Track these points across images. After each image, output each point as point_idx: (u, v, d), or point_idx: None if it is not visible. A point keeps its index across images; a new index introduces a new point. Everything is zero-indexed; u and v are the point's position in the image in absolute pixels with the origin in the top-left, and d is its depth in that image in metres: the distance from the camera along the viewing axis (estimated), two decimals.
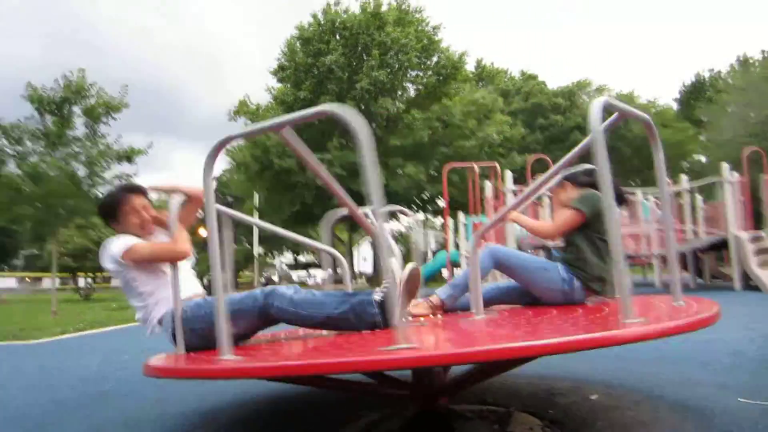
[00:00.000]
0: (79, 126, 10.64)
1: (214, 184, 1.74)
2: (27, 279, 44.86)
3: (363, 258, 49.58)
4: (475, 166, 11.02)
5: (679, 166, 31.07)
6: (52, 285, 11.04)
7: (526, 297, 2.83)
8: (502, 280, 3.15)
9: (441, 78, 25.48)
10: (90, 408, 2.59)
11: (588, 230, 2.71)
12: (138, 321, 2.31)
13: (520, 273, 2.80)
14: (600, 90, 37.28)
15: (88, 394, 2.91)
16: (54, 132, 10.29)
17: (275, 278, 45.84)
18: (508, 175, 10.03)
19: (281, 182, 24.57)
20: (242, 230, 32.37)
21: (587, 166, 2.79)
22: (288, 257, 49.26)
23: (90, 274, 22.17)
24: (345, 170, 23.58)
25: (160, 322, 2.21)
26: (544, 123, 35.02)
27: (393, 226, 52.53)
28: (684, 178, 10.41)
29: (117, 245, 2.20)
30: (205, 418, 2.37)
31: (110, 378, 3.38)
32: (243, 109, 26.75)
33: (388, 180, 23.78)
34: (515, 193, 9.45)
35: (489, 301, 2.85)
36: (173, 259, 2.06)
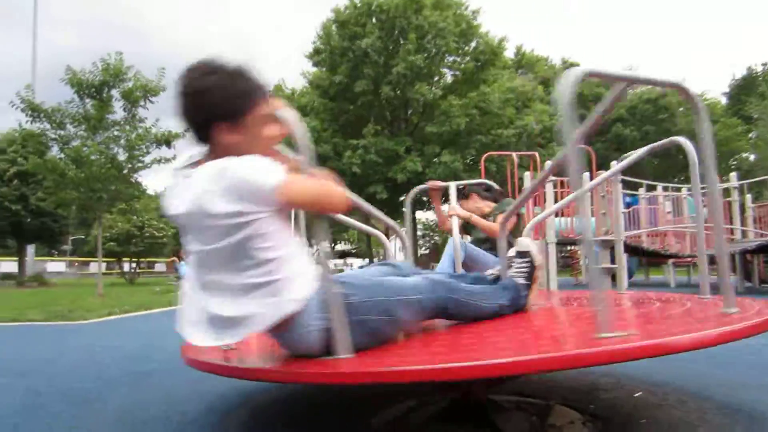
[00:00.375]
0: (117, 110, 10.77)
1: None
2: (74, 263, 46.40)
3: (399, 248, 49.45)
4: (514, 156, 10.71)
5: (727, 164, 29.93)
6: (98, 269, 11.28)
7: None
8: None
9: (479, 64, 25.02)
10: (132, 386, 2.59)
11: None
12: (241, 315, 1.34)
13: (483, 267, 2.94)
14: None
15: (131, 372, 2.92)
16: (94, 115, 10.43)
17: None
18: (548, 166, 9.68)
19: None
20: None
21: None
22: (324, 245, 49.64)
23: (134, 259, 22.72)
24: (381, 156, 23.49)
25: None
26: (586, 114, 33.96)
27: (428, 216, 52.43)
28: (733, 175, 9.95)
29: (266, 169, 1.30)
30: (243, 396, 2.36)
31: (154, 358, 3.39)
32: (278, 94, 26.86)
33: (424, 168, 23.58)
34: (554, 185, 9.14)
35: None
36: (337, 209, 1.48)
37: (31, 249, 23.67)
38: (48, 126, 10.58)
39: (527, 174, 10.19)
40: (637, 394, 2.22)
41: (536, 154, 11.82)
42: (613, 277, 7.68)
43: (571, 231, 9.33)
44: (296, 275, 1.36)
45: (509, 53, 30.19)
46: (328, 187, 1.41)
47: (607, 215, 8.01)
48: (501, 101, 24.12)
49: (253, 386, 2.55)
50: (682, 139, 2.53)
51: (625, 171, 2.96)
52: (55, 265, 39.92)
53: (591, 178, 7.99)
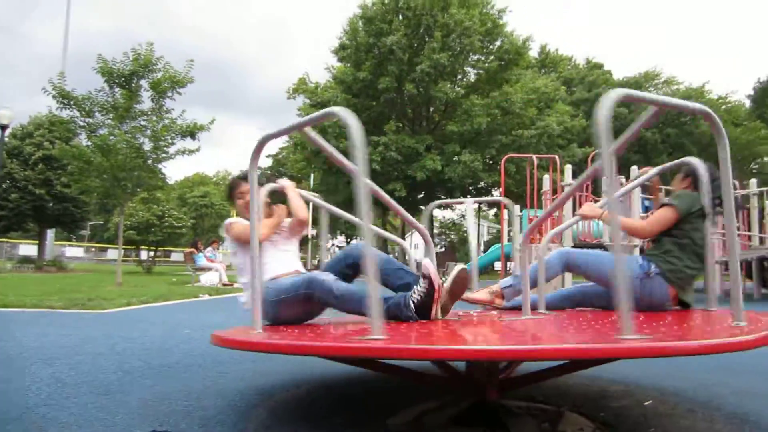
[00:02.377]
0: (145, 100, 10.88)
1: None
2: (92, 249, 47.12)
3: (415, 245, 49.64)
4: (534, 158, 10.64)
5: (749, 168, 29.34)
6: (117, 257, 11.42)
7: (603, 299, 2.72)
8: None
9: (503, 63, 24.82)
10: (154, 378, 2.64)
11: (677, 229, 2.62)
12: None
13: (594, 269, 2.73)
14: (668, 82, 35.50)
15: (152, 364, 2.97)
16: (122, 105, 10.56)
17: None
18: (568, 168, 9.64)
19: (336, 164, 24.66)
20: None
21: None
22: (340, 240, 49.74)
23: (152, 248, 23.00)
24: (401, 154, 23.46)
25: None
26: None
27: (445, 214, 52.22)
28: (753, 182, 9.81)
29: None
30: (262, 394, 2.40)
31: (173, 351, 3.44)
32: (301, 87, 26.93)
33: (443, 166, 23.51)
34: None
35: (568, 303, 2.87)
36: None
37: (51, 233, 24.06)
38: (77, 113, 10.74)
39: (546, 176, 10.13)
40: (647, 403, 2.23)
41: (556, 156, 11.73)
42: None
43: (588, 235, 9.28)
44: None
45: (533, 53, 29.91)
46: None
47: None
48: (523, 101, 23.94)
49: (271, 384, 2.59)
50: (694, 161, 2.57)
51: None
52: (74, 250, 40.51)
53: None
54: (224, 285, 11.68)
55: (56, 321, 4.94)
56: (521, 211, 10.62)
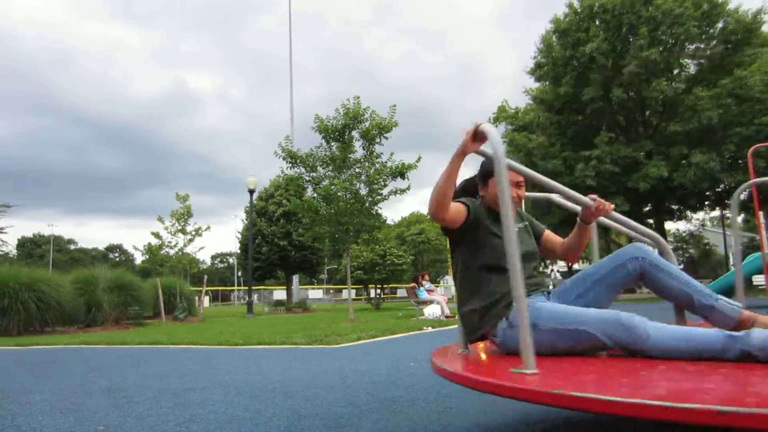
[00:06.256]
0: (358, 148, 11.77)
1: None
2: (330, 290, 52.24)
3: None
4: None
5: None
6: (348, 296, 12.41)
7: None
8: None
9: (730, 46, 21.64)
10: (380, 412, 2.65)
11: None
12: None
13: None
14: None
15: (378, 398, 3.01)
16: (339, 156, 11.57)
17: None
18: None
19: (547, 186, 23.73)
20: None
21: None
22: (561, 264, 47.48)
23: (379, 285, 24.60)
24: (617, 165, 21.68)
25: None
26: None
27: (679, 226, 46.50)
28: None
29: None
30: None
31: (399, 384, 3.46)
32: (502, 115, 26.76)
33: (670, 172, 21.06)
34: None
35: None
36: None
37: (295, 278, 27.24)
38: (303, 170, 12.07)
39: None
40: None
41: None
42: None
43: None
44: None
45: None
46: None
47: None
48: (764, 83, 20.40)
49: (499, 422, 2.40)
50: None
51: None
52: (315, 293, 45.49)
53: None
54: (447, 317, 11.83)
55: (298, 356, 5.41)
56: None
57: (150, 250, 17.31)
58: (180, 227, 16.67)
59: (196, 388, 3.55)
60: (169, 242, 16.84)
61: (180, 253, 16.81)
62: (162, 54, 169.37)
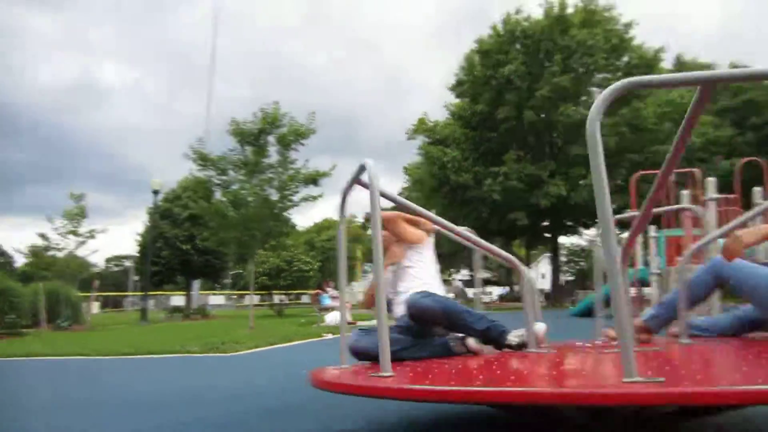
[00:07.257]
0: (272, 153, 11.47)
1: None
2: (233, 296, 50.68)
3: (541, 275, 47.73)
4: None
5: None
6: (250, 303, 12.01)
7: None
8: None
9: None
10: (268, 420, 2.61)
11: None
12: None
13: (754, 289, 2.18)
14: None
15: (266, 406, 2.95)
16: (252, 161, 11.22)
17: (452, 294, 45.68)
18: (711, 181, 8.29)
19: (457, 198, 24.44)
20: None
21: None
22: (464, 274, 48.94)
23: (284, 291, 24.14)
24: (523, 182, 22.66)
25: None
26: (758, 122, 29.89)
27: (573, 240, 49.44)
28: None
29: None
30: None
31: (288, 390, 3.44)
32: (421, 127, 27.22)
33: (568, 191, 22.34)
34: (719, 203, 7.86)
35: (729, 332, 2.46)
36: None
37: (196, 284, 26.14)
38: (213, 173, 11.59)
39: (685, 193, 8.92)
40: None
41: (696, 171, 10.26)
42: None
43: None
44: None
45: (667, 63, 27.70)
46: None
47: None
48: (656, 116, 22.22)
49: (381, 425, 2.31)
50: None
51: None
52: (216, 298, 43.90)
53: (765, 194, 6.93)
54: (349, 323, 11.72)
55: (192, 365, 5.16)
56: (657, 232, 9.50)
57: (34, 252, 15.78)
58: (72, 228, 15.29)
59: (62, 405, 3.19)
60: (57, 244, 15.44)
61: (69, 256, 15.45)
62: (69, 40, 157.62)
